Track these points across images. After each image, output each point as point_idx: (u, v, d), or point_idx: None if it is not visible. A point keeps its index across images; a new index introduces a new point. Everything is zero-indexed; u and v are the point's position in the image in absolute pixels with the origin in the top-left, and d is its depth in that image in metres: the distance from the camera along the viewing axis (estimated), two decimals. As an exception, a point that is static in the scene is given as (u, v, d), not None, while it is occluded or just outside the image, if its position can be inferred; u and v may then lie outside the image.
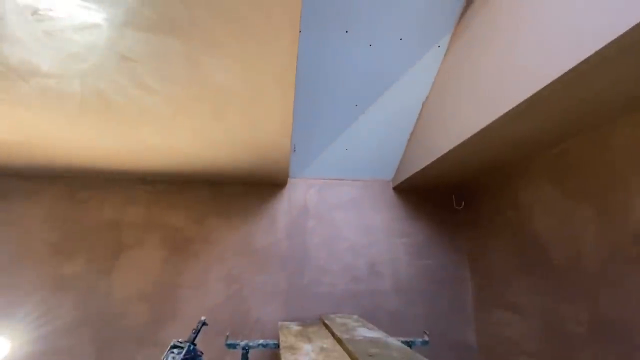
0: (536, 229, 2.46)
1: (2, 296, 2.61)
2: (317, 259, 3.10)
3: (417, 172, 2.84)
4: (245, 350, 2.18)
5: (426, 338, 2.38)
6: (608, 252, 1.94)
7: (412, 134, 2.95)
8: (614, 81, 1.48)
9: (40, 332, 2.54)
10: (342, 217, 3.26)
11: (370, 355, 1.61)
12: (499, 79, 1.77)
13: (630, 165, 1.84)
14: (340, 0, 2.08)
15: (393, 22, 2.19)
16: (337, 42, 2.24)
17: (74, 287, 2.72)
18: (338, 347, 1.86)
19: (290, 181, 3.29)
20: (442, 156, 2.38)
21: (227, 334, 2.39)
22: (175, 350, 1.65)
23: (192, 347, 1.69)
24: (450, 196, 3.45)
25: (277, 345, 2.17)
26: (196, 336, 1.79)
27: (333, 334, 2.09)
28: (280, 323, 2.63)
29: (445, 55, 2.39)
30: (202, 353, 1.77)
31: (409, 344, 2.31)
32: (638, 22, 1.09)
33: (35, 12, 1.18)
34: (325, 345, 1.88)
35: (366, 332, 2.12)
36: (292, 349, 1.82)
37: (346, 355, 1.69)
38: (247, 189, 3.19)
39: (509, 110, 1.68)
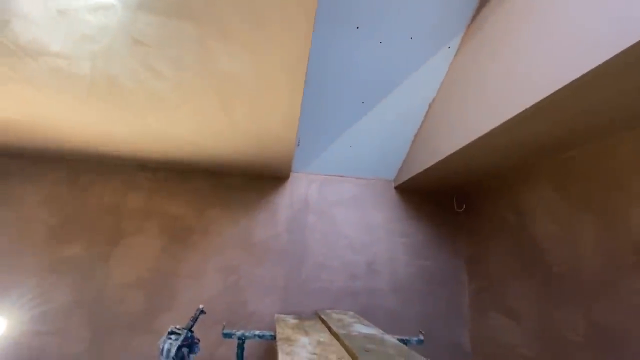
0: (536, 234, 2.47)
1: (1, 277, 2.61)
2: (316, 255, 3.11)
3: (419, 173, 2.85)
4: (241, 340, 2.19)
5: (421, 337, 2.40)
6: (607, 260, 1.95)
7: (417, 134, 2.95)
8: (621, 92, 1.48)
9: (35, 312, 2.54)
10: (343, 214, 3.26)
11: (367, 351, 1.61)
12: (506, 83, 1.77)
13: (632, 175, 1.85)
14: (353, -4, 2.07)
15: (405, 20, 2.19)
16: (348, 37, 2.24)
17: (72, 270, 2.72)
18: (335, 341, 1.87)
19: (293, 175, 3.29)
20: (445, 158, 2.38)
21: (224, 323, 2.39)
22: (173, 337, 1.66)
23: (189, 334, 1.69)
24: (451, 198, 3.46)
25: (273, 337, 2.18)
26: (194, 324, 1.79)
27: (329, 329, 2.10)
28: (276, 315, 2.64)
29: (454, 56, 2.39)
30: (199, 340, 1.78)
31: (405, 342, 2.32)
32: (652, 30, 1.10)
33: (50, -11, 1.17)
34: (322, 339, 1.89)
35: (362, 328, 2.13)
36: (288, 340, 1.83)
37: (343, 350, 1.70)
38: (249, 181, 3.19)
39: (515, 116, 1.68)
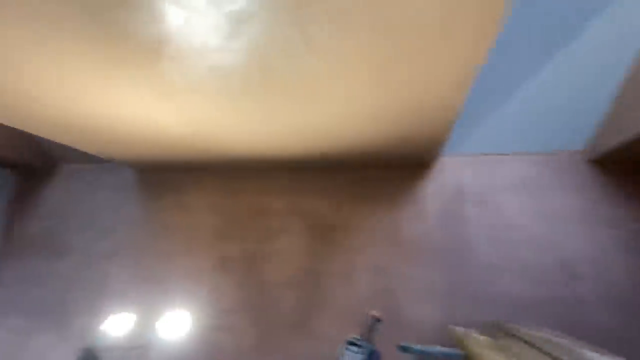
0: None
1: (180, 274, 2.96)
2: (482, 254, 2.53)
3: (628, 140, 1.97)
4: (421, 356, 1.83)
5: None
6: None
7: (623, 87, 2.07)
8: None
9: (210, 309, 2.77)
10: (513, 201, 2.58)
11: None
12: None
13: None
14: None
15: None
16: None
17: (234, 270, 2.89)
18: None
19: (442, 160, 2.79)
20: None
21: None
22: (354, 348, 1.42)
23: (372, 350, 1.43)
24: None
25: (463, 357, 1.74)
26: (373, 334, 1.53)
27: (549, 354, 1.53)
28: (458, 329, 2.18)
29: None
30: (380, 354, 1.50)
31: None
32: None
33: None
34: (545, 370, 1.36)
35: (598, 357, 1.48)
36: (496, 367, 1.37)
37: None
38: (391, 172, 2.85)
39: None
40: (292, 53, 1.43)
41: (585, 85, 2.18)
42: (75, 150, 3.26)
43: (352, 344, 1.46)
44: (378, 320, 1.61)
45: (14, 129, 3.06)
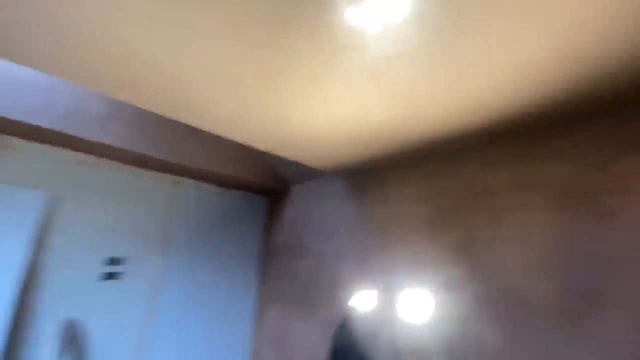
0: None
1: (400, 268, 2.96)
2: None
3: None
4: None
5: None
6: None
7: None
8: None
9: (449, 299, 2.57)
10: None
11: None
12: None
13: None
14: None
15: None
16: None
17: (458, 259, 2.63)
18: None
19: None
20: None
21: None
22: None
23: None
24: None
25: None
26: None
27: None
28: None
29: None
30: None
31: None
32: None
33: None
34: None
35: None
36: None
37: None
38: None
39: None
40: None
41: None
42: (299, 172, 4.04)
43: None
44: None
45: (259, 159, 4.14)
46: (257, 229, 4.45)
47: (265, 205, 4.64)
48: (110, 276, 3.22)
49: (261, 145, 2.93)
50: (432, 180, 2.96)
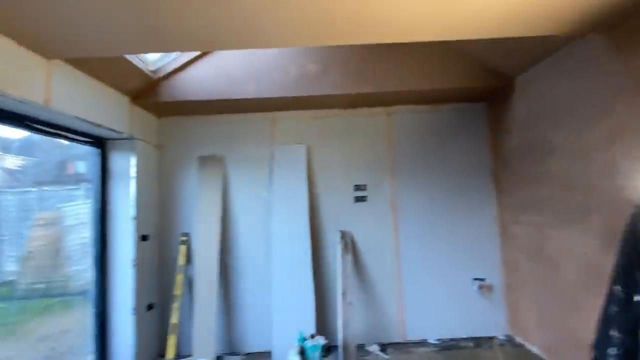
0: None
1: None
2: None
3: None
4: None
5: None
6: None
7: None
8: None
9: None
10: None
11: None
12: None
13: None
14: None
15: None
16: None
17: None
18: None
19: None
20: None
21: None
22: None
23: None
24: None
25: None
26: None
27: None
28: None
29: None
30: None
31: None
32: None
33: None
34: None
35: None
36: None
37: None
38: None
39: None
40: None
41: None
42: (523, 55, 3.16)
43: None
44: None
45: (465, 63, 3.58)
46: (481, 138, 4.05)
47: (486, 111, 4.08)
48: (360, 199, 4.01)
49: (473, 34, 2.40)
50: None
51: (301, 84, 3.60)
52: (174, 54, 3.46)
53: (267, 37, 2.34)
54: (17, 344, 4.16)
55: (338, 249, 3.76)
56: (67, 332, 4.42)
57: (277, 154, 4.04)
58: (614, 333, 1.97)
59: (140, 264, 3.48)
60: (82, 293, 4.24)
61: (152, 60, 3.40)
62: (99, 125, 3.01)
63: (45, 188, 5.74)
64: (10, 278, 5.15)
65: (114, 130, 3.22)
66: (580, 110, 2.72)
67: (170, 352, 3.52)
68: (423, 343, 3.79)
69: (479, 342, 3.73)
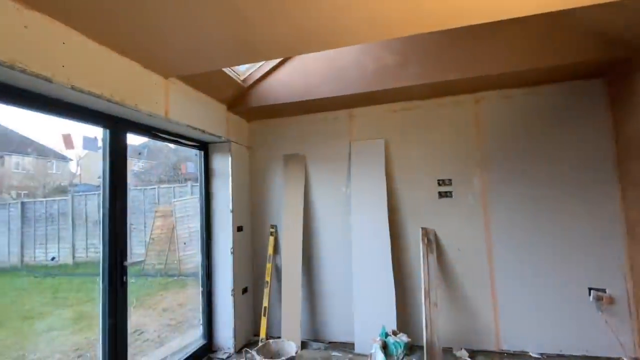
0: None
1: None
2: None
3: None
4: None
5: None
6: None
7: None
8: None
9: None
10: None
11: None
12: None
13: None
14: None
15: None
16: None
17: None
18: None
19: None
20: None
21: None
22: None
23: None
24: None
25: None
26: None
27: None
28: None
29: None
30: None
31: None
32: None
33: None
34: None
35: None
36: None
37: None
38: None
39: None
40: None
41: None
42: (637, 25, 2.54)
43: None
44: None
45: (572, 33, 3.04)
46: (598, 121, 3.40)
47: (605, 88, 3.41)
48: (444, 194, 3.78)
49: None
50: None
51: (379, 78, 3.56)
52: (259, 63, 3.79)
53: (346, 36, 2.40)
54: (147, 312, 5.12)
55: (420, 246, 3.62)
56: (183, 306, 5.27)
57: (354, 149, 4.08)
58: None
59: (236, 252, 3.93)
60: (193, 274, 4.99)
61: (242, 71, 3.79)
62: (204, 131, 3.50)
63: (163, 186, 6.97)
64: (139, 259, 6.42)
65: (215, 135, 3.70)
66: None
67: (262, 332, 3.90)
68: (521, 355, 3.40)
69: (595, 362, 3.18)
